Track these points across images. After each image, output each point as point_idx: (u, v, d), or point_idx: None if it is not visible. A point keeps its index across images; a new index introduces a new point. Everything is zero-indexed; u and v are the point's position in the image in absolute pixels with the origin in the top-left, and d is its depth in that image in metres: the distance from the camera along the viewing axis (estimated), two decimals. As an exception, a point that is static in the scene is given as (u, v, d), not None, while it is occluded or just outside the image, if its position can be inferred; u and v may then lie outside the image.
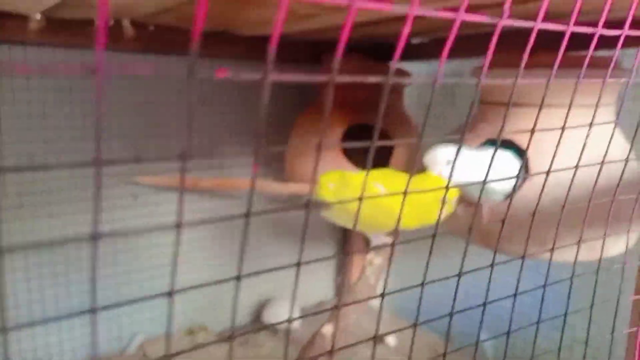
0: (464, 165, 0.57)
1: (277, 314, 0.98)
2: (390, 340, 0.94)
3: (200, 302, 0.96)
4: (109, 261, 0.86)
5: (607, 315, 0.49)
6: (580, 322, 0.74)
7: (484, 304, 0.40)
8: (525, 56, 0.28)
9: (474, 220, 0.37)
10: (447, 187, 0.32)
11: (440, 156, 0.56)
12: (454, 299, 0.37)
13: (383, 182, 0.52)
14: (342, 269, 1.15)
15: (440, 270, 0.36)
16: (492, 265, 0.37)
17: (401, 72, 0.92)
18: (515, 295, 0.41)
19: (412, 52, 0.94)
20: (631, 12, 0.30)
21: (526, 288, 0.41)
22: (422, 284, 0.33)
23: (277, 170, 1.02)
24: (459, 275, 0.35)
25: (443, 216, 0.54)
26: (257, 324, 1.03)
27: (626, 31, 0.31)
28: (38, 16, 0.72)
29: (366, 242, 1.04)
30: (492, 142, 0.64)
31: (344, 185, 0.53)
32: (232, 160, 0.97)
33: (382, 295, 0.32)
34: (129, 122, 0.85)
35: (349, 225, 0.55)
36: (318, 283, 1.14)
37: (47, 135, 0.78)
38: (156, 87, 0.86)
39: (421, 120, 1.03)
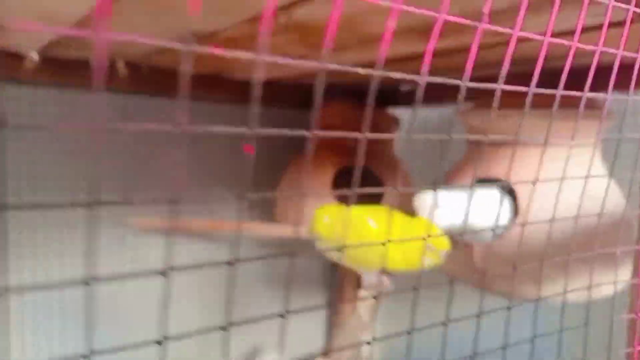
0: (455, 207, 0.57)
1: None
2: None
3: (187, 351, 0.93)
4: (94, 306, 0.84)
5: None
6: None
7: (471, 356, 0.38)
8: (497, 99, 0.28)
9: (465, 261, 0.36)
10: (432, 234, 0.32)
11: (430, 200, 0.56)
12: (443, 349, 0.35)
13: (376, 219, 0.52)
14: (333, 312, 1.13)
15: (437, 314, 0.34)
16: (478, 316, 0.36)
17: (391, 118, 0.93)
18: (504, 348, 0.40)
19: (403, 99, 0.96)
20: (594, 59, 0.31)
21: (521, 330, 0.40)
22: (409, 332, 0.32)
23: (267, 212, 1.01)
24: (446, 323, 0.34)
25: (431, 265, 0.53)
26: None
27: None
28: (34, 55, 0.73)
29: (357, 284, 1.02)
30: (482, 181, 0.64)
31: (339, 220, 0.52)
32: (220, 204, 0.97)
33: (371, 341, 0.31)
34: (119, 165, 0.85)
35: (343, 261, 0.54)
36: (309, 332, 1.11)
37: (36, 175, 0.78)
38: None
39: (412, 164, 1.03)
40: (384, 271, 0.57)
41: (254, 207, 1.00)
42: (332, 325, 1.04)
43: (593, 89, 0.33)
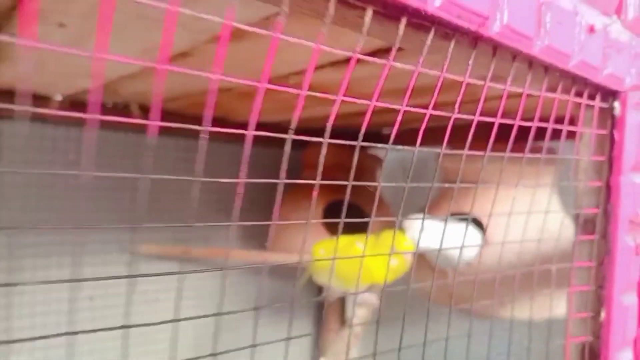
0: (435, 233, 0.68)
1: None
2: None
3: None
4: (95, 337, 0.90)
5: None
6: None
7: None
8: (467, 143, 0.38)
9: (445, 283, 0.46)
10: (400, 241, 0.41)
11: (417, 224, 0.67)
12: None
13: (362, 241, 0.62)
14: (320, 339, 1.20)
15: (419, 335, 0.38)
16: (445, 336, 0.45)
17: (374, 158, 1.04)
18: None
19: (384, 141, 1.07)
20: (552, 112, 0.42)
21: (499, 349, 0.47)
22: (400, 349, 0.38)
23: (262, 244, 1.09)
24: (424, 344, 0.38)
25: (402, 271, 0.64)
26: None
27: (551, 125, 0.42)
28: (59, 97, 0.82)
29: (341, 318, 1.11)
30: (455, 214, 0.75)
31: (332, 249, 0.62)
32: (217, 233, 1.05)
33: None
34: (123, 195, 0.93)
35: (336, 285, 0.64)
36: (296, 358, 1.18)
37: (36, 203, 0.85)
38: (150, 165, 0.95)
39: (393, 197, 1.14)
40: (371, 289, 0.67)
41: (253, 237, 1.09)
42: (319, 351, 1.12)
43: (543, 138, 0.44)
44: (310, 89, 0.27)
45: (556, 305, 0.69)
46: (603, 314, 0.39)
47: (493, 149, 0.40)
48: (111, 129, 0.90)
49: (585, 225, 0.40)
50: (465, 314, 0.70)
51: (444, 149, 0.34)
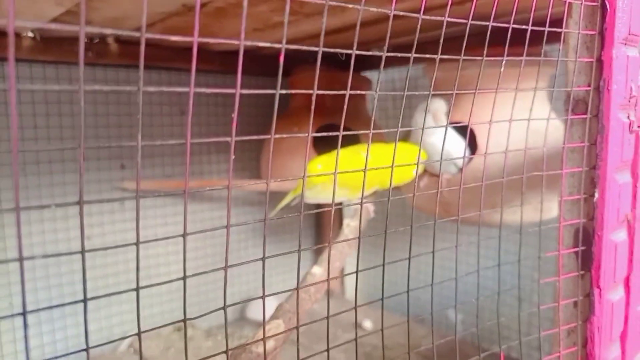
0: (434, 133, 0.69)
1: (259, 309, 1.03)
2: (367, 324, 1.00)
3: (188, 301, 1.01)
4: (99, 263, 0.91)
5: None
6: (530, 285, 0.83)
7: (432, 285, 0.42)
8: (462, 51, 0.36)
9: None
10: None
11: (440, 106, 0.71)
12: (408, 279, 0.38)
13: (365, 150, 0.62)
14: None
15: (415, 257, 0.37)
16: (431, 253, 0.45)
17: (363, 79, 1.02)
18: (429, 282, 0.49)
19: (372, 63, 1.05)
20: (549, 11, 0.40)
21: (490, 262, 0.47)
22: (383, 266, 0.37)
23: (254, 173, 1.09)
24: (409, 258, 0.37)
25: (411, 177, 0.64)
26: (241, 320, 1.08)
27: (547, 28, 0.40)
28: (30, 34, 0.79)
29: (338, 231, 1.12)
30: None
31: (331, 163, 0.62)
32: (210, 166, 1.04)
33: (357, 272, 0.36)
34: (115, 132, 0.91)
35: (339, 194, 0.63)
36: (296, 279, 1.20)
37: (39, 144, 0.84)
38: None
39: (382, 120, 1.12)
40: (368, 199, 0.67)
41: (243, 168, 1.08)
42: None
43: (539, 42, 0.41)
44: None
45: (548, 207, 0.69)
46: (597, 195, 0.38)
47: (485, 54, 0.38)
48: (88, 65, 0.87)
49: (576, 105, 0.38)
50: (456, 223, 0.71)
51: (439, 56, 0.32)
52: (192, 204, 1.02)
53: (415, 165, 0.62)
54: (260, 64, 1.00)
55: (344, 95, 0.32)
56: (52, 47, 0.80)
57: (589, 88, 0.38)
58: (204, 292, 1.04)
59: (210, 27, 0.74)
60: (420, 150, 0.37)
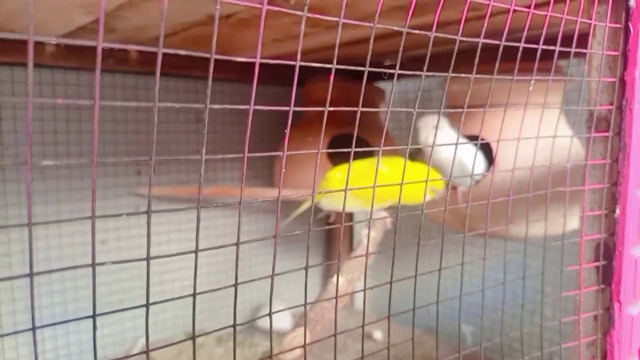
0: (445, 139, 0.69)
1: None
2: (378, 335, 1.01)
3: (199, 308, 1.02)
4: (112, 268, 0.92)
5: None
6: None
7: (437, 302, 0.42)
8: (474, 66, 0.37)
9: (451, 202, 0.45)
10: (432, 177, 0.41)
11: (430, 121, 0.69)
12: (414, 297, 0.40)
13: (385, 164, 0.63)
14: (328, 269, 1.22)
15: (425, 268, 0.39)
16: (439, 269, 0.46)
17: (377, 90, 1.03)
18: (460, 294, 0.49)
19: (386, 74, 1.06)
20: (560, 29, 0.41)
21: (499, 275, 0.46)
22: (390, 283, 0.38)
23: (267, 181, 1.10)
24: (415, 276, 0.39)
25: (428, 200, 0.64)
26: (251, 328, 1.08)
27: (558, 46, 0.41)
28: (54, 40, 0.80)
29: (350, 244, 1.12)
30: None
31: (351, 173, 0.63)
32: (224, 173, 1.05)
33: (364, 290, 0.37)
34: (133, 138, 0.92)
35: (355, 204, 0.64)
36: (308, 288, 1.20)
37: (58, 149, 0.85)
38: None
39: (396, 131, 1.13)
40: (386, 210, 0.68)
41: (255, 177, 1.09)
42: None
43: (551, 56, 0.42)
44: (310, 10, 0.26)
45: (569, 221, 0.69)
46: (618, 210, 0.39)
47: (499, 70, 0.39)
48: (108, 72, 0.89)
49: (598, 123, 0.39)
50: (479, 237, 0.71)
51: (450, 72, 0.33)
52: (205, 211, 1.03)
53: (429, 191, 0.63)
54: (275, 73, 1.01)
55: (357, 106, 0.33)
56: (74, 54, 0.82)
57: (611, 107, 0.39)
58: (215, 298, 1.05)
59: (232, 37, 0.76)
60: (439, 177, 0.38)
